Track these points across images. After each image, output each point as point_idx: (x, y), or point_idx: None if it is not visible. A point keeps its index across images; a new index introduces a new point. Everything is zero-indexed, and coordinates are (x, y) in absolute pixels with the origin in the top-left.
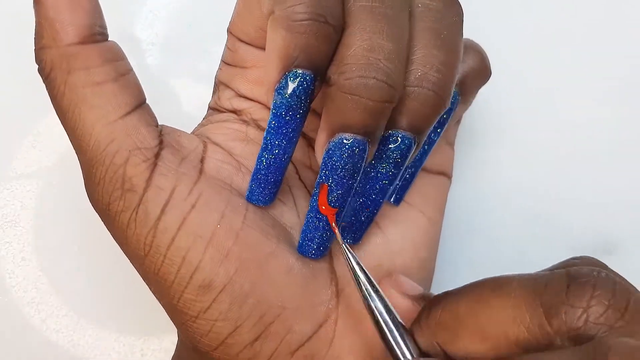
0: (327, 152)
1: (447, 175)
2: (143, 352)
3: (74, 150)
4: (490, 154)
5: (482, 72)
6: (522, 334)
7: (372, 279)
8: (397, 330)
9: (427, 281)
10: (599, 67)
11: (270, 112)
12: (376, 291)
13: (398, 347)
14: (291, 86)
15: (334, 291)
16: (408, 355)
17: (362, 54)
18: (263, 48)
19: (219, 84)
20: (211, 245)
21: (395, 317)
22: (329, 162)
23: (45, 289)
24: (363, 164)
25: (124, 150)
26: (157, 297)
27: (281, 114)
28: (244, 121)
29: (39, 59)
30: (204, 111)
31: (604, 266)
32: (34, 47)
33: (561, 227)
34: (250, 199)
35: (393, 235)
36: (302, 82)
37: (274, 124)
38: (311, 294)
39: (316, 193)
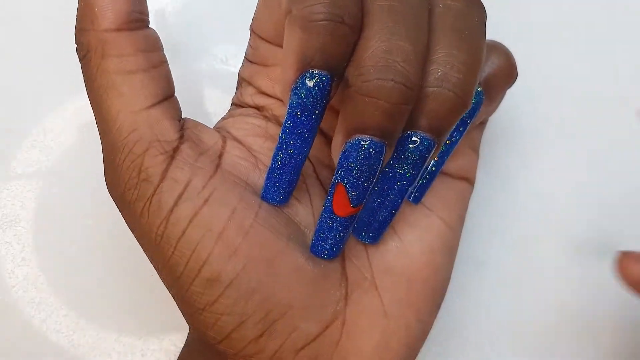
0: (344, 153)
1: (469, 181)
2: (143, 352)
3: (73, 151)
4: (493, 155)
5: (508, 72)
6: None
7: None
8: None
9: (442, 287)
10: (608, 70)
11: (286, 112)
12: None
13: None
14: (307, 86)
15: (343, 293)
16: None
17: (380, 55)
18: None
19: (242, 81)
20: (221, 240)
21: None
22: (344, 163)
23: (45, 289)
24: (380, 167)
25: (144, 141)
26: (166, 286)
27: (296, 113)
28: (265, 117)
29: (77, 40)
30: (204, 111)
31: None
32: (74, 28)
33: (561, 226)
34: (265, 197)
35: (409, 240)
36: (319, 82)
37: (290, 123)
38: (319, 294)
39: (331, 193)
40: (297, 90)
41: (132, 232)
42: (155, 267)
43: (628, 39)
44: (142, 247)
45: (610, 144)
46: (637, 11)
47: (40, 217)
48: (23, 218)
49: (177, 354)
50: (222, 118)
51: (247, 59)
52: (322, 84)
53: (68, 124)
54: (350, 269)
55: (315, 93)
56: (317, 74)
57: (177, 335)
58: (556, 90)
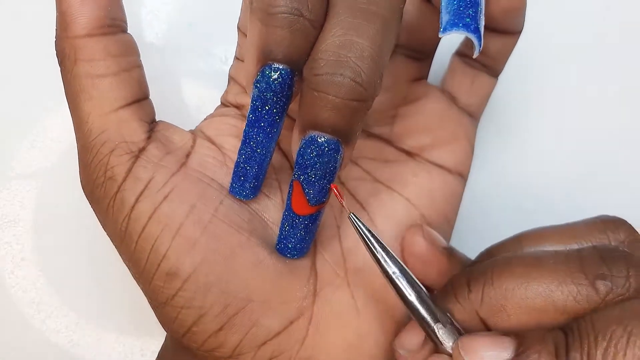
0: (299, 149)
1: (463, 176)
2: (143, 352)
3: (72, 151)
4: (488, 151)
5: None
6: (570, 304)
7: (385, 245)
8: (420, 295)
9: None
10: (601, 66)
11: (250, 105)
12: (392, 258)
13: (430, 314)
14: (267, 80)
15: (310, 289)
16: (438, 332)
17: (333, 50)
18: None
19: (230, 79)
20: (179, 235)
21: (415, 282)
22: (300, 160)
23: (45, 289)
24: (337, 165)
25: (111, 142)
26: (136, 282)
27: (257, 107)
28: (244, 116)
29: (55, 48)
30: (203, 111)
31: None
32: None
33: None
34: (232, 192)
35: (382, 226)
36: (279, 76)
37: (252, 117)
38: (282, 290)
39: (290, 192)
40: (258, 83)
41: (103, 229)
42: (124, 262)
43: (626, 37)
44: (113, 244)
45: (609, 142)
46: (630, 10)
47: (40, 217)
48: (23, 218)
49: None
50: (205, 118)
51: (236, 57)
52: (282, 77)
53: (68, 124)
54: (321, 264)
55: (275, 87)
56: (277, 67)
57: None
58: (552, 87)
